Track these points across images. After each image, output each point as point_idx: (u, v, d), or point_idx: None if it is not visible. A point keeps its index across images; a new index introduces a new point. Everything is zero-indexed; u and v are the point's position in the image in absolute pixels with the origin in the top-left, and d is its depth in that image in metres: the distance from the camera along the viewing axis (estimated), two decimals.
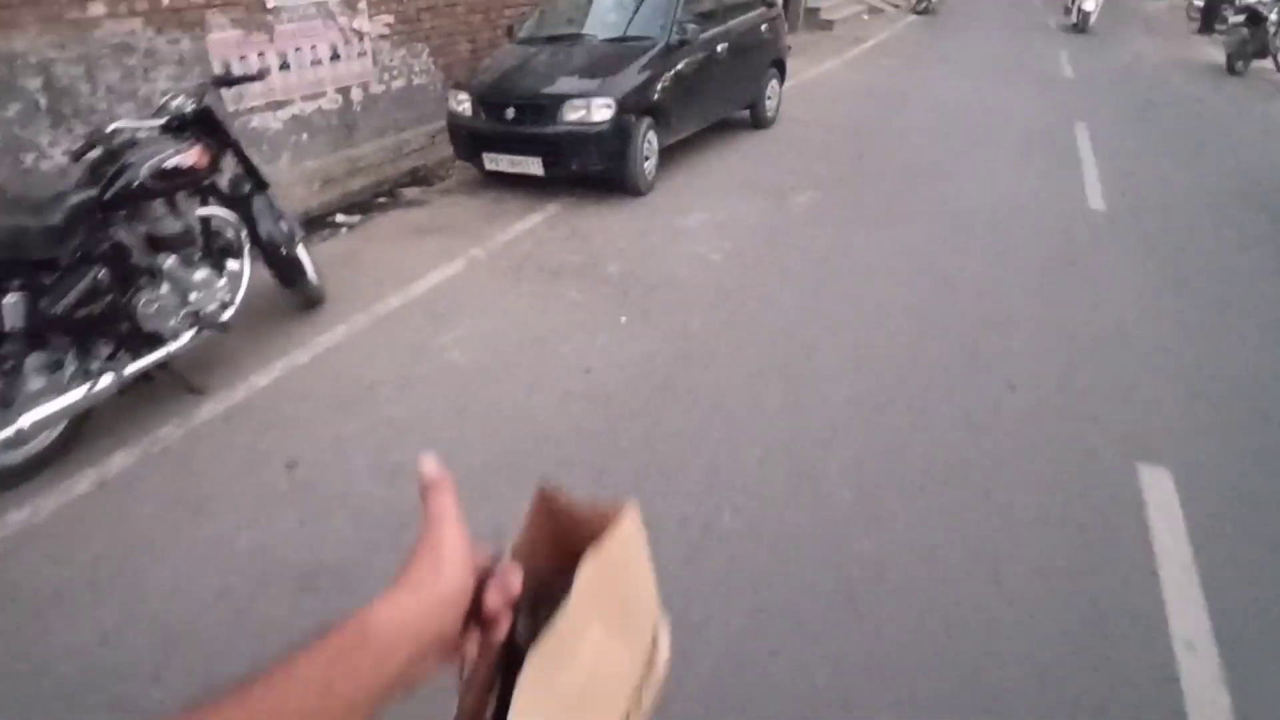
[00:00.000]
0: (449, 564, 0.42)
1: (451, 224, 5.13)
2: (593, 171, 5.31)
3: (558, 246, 4.72)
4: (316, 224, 5.11)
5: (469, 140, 5.57)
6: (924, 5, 17.01)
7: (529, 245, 4.74)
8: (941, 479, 2.65)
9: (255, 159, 3.73)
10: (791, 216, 5.20)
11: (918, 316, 3.78)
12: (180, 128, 3.09)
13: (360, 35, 6.01)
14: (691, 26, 5.59)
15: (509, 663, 0.46)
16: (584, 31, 5.82)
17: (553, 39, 5.82)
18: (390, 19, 6.25)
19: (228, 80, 3.44)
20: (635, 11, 5.82)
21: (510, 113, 5.26)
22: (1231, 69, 10.72)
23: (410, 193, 5.98)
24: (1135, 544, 2.39)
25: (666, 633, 0.58)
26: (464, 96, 5.50)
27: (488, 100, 5.39)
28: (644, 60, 5.39)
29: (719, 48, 6.17)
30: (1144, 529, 2.44)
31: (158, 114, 3.15)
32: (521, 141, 5.27)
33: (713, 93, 6.29)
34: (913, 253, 4.57)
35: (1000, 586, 2.21)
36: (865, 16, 15.61)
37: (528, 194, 5.55)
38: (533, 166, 5.27)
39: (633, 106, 5.24)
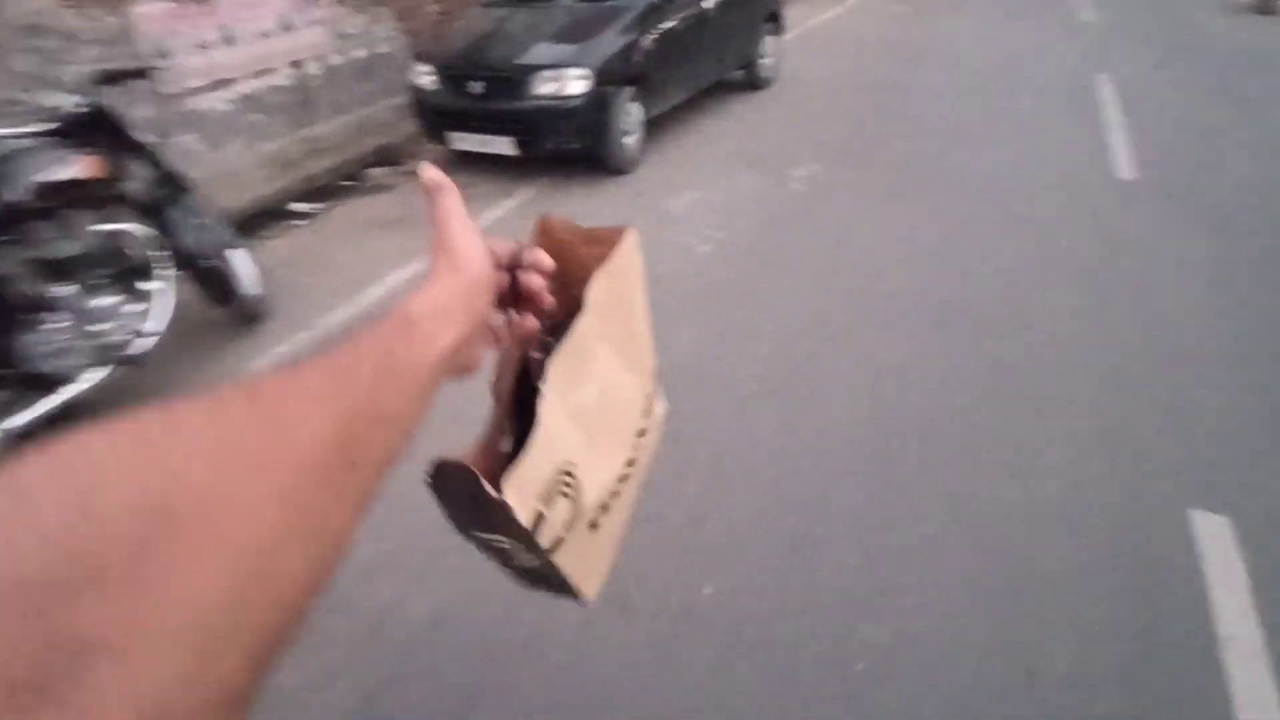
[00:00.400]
0: (464, 255, 0.45)
1: (416, 214, 4.66)
2: (569, 150, 4.83)
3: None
4: (272, 216, 4.67)
5: (434, 118, 5.08)
6: None
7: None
8: (962, 536, 2.27)
9: (175, 157, 3.29)
10: (791, 195, 4.72)
11: (932, 320, 3.35)
12: (68, 133, 2.65)
13: (313, 2, 5.46)
14: None
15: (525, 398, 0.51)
16: None
17: (525, 0, 5.26)
18: None
19: (114, 76, 2.97)
20: None
21: (477, 87, 4.76)
22: (1264, 8, 9.96)
23: (377, 174, 5.51)
24: (1191, 616, 2.01)
25: (660, 390, 0.63)
26: (427, 69, 4.99)
27: (452, 73, 4.88)
28: (624, 23, 4.85)
29: (707, 4, 5.59)
30: (1201, 597, 2.06)
31: (38, 117, 2.70)
32: (490, 119, 4.78)
33: (702, 54, 5.74)
34: (925, 239, 4.10)
35: (1034, 688, 1.84)
36: None
37: (501, 175, 5.08)
38: (503, 146, 4.79)
39: (612, 76, 4.73)
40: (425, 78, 4.99)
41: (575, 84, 4.55)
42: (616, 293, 0.55)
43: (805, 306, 3.48)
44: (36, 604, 0.20)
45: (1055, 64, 7.67)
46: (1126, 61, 7.71)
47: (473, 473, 0.44)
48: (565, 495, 0.49)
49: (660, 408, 0.62)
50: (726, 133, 5.85)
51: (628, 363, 0.58)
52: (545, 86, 4.57)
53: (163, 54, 4.28)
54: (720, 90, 6.61)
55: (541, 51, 4.69)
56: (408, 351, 0.38)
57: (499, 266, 0.48)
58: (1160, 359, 3.05)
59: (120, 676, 0.20)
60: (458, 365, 0.43)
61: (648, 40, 4.97)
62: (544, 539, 0.48)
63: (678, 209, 4.56)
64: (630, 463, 0.57)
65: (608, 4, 4.99)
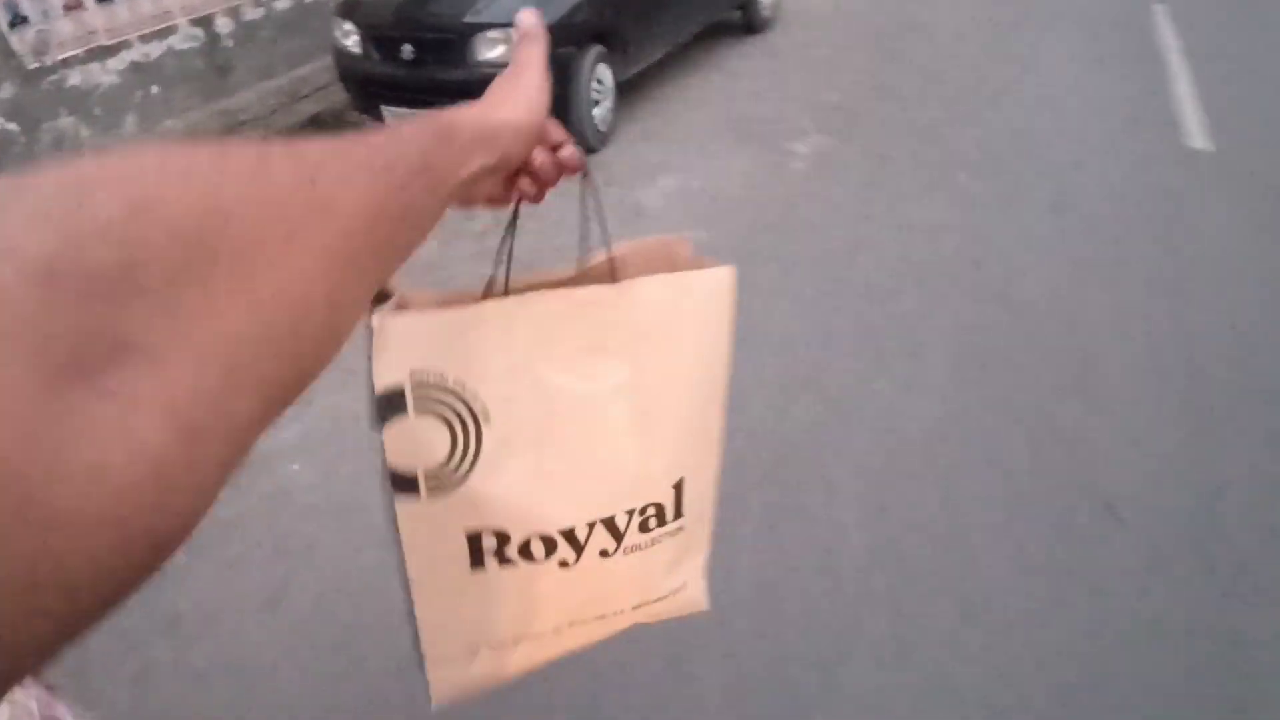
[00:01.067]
0: (524, 99, 0.45)
1: None
2: None
3: (470, 251, 3.52)
4: None
5: (362, 87, 4.24)
6: None
7: (433, 249, 3.54)
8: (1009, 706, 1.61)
9: (51, 147, 2.55)
10: (789, 180, 3.91)
11: (963, 360, 2.62)
12: None
13: None
14: None
15: None
16: None
17: None
18: None
19: None
20: None
21: (408, 50, 3.91)
22: None
23: None
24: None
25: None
26: (349, 28, 4.13)
27: (379, 34, 4.02)
28: None
29: None
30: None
31: None
32: (426, 90, 3.95)
33: (685, 1, 4.82)
34: (950, 240, 3.32)
35: None
36: None
37: None
38: None
39: (572, 34, 3.86)
40: (349, 38, 4.13)
41: None
42: (677, 325, 0.48)
43: (802, 346, 2.74)
44: (88, 293, 0.20)
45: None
46: None
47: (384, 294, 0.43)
48: (441, 418, 0.44)
49: (692, 582, 0.52)
50: (717, 93, 4.97)
51: (642, 428, 0.48)
52: (491, 50, 3.72)
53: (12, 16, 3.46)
54: (711, 35, 5.67)
55: (485, 6, 3.81)
56: (439, 159, 0.37)
57: (544, 138, 0.48)
58: (1253, 434, 2.32)
59: (154, 376, 0.21)
60: (472, 194, 0.46)
61: None
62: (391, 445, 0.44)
63: (652, 201, 3.77)
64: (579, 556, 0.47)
65: None
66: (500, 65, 3.66)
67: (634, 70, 4.54)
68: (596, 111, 4.14)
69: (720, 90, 5.01)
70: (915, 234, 3.38)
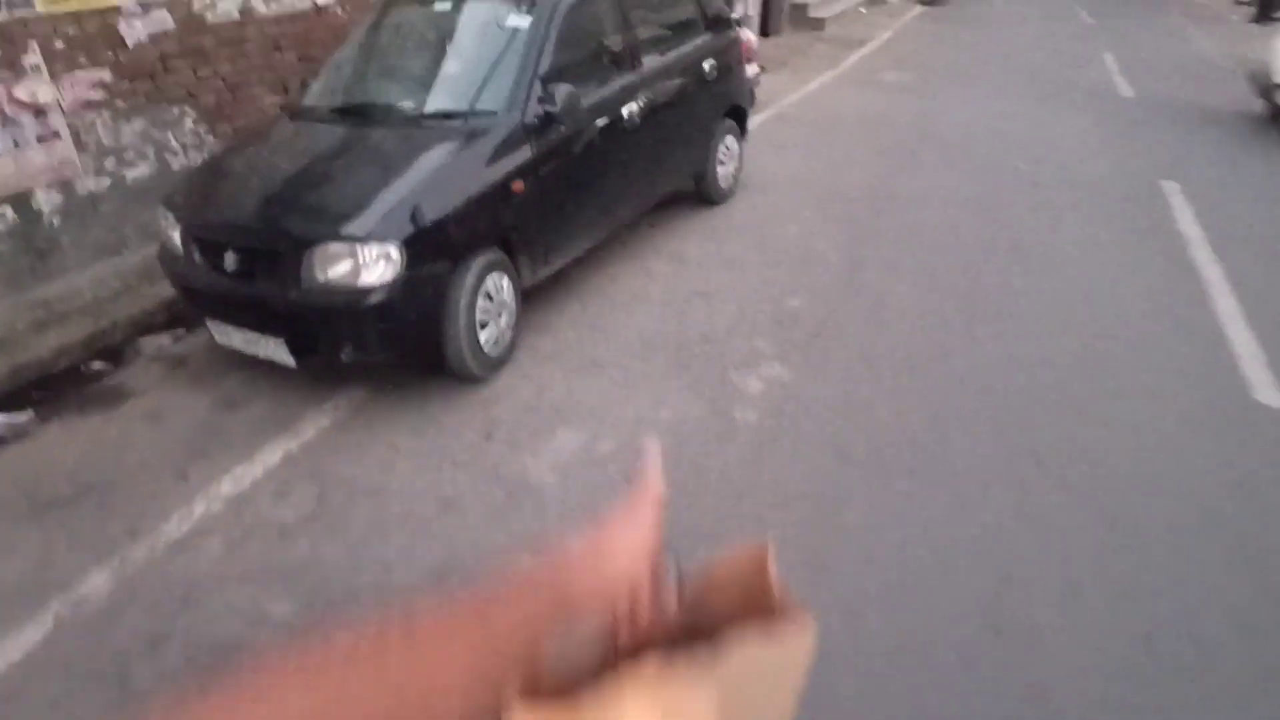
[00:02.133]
0: (608, 554, 0.44)
1: (122, 471, 2.85)
2: (379, 361, 3.05)
3: (272, 554, 2.45)
4: None
5: (185, 293, 3.30)
6: None
7: (216, 546, 2.47)
8: None
9: None
10: (735, 440, 2.91)
11: None
12: None
13: (39, 110, 3.70)
14: (567, 92, 3.25)
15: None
16: (389, 102, 3.49)
17: (344, 112, 3.49)
18: (103, 76, 3.93)
19: None
20: (468, 70, 3.49)
21: (231, 260, 2.97)
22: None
23: (157, 343, 3.76)
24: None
25: None
26: (172, 220, 3.22)
27: (199, 235, 3.10)
28: (473, 157, 3.08)
29: (628, 111, 3.84)
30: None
31: None
32: (253, 310, 2.99)
33: (623, 182, 3.98)
34: (955, 555, 2.29)
35: None
36: (863, 9, 13.19)
37: (296, 384, 3.28)
38: (275, 350, 2.99)
39: (446, 245, 2.95)
40: (172, 232, 3.21)
41: (376, 266, 2.76)
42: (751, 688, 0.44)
43: None
44: None
45: (1101, 164, 5.94)
46: (1196, 161, 5.99)
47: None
48: None
49: None
50: (655, 290, 4.06)
51: None
52: (330, 268, 2.78)
53: None
54: (661, 204, 4.86)
55: (326, 212, 2.90)
56: (537, 621, 0.40)
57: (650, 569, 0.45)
58: None
59: None
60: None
61: (522, 181, 3.20)
62: None
63: (542, 473, 2.75)
64: None
65: (453, 126, 3.21)
66: (346, 288, 2.72)
67: (548, 270, 3.64)
68: (486, 333, 3.18)
69: (660, 285, 4.11)
70: (899, 536, 2.35)
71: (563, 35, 3.48)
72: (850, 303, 3.89)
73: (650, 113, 4.02)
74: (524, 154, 3.22)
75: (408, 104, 3.40)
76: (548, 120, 3.27)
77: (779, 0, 10.93)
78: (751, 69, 6.96)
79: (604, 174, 3.77)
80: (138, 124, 4.14)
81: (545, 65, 3.34)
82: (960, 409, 3.04)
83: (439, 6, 3.67)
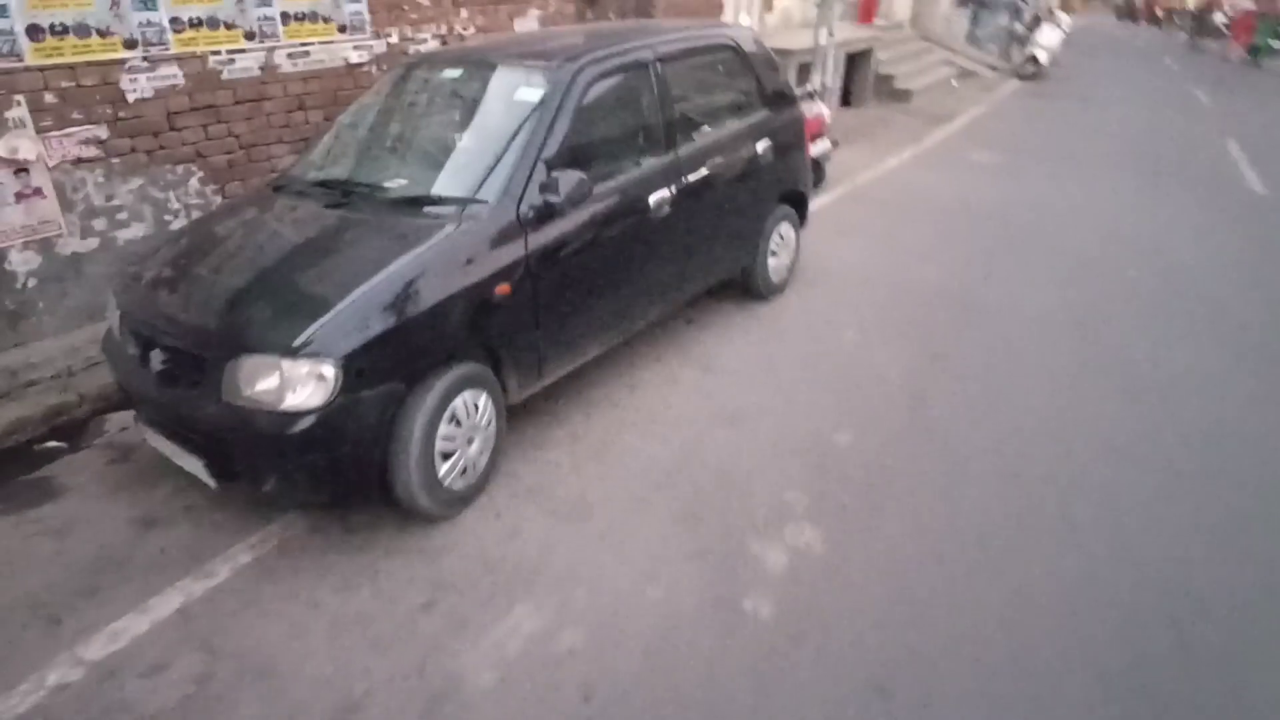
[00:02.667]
0: None
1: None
2: (309, 501, 2.53)
3: None
4: None
5: (121, 388, 2.87)
6: (1031, 67, 13.75)
7: None
8: None
9: None
10: (745, 633, 2.22)
11: None
12: None
13: (20, 166, 3.41)
14: (576, 181, 2.71)
15: None
16: (371, 180, 3.02)
17: (326, 186, 3.04)
18: (98, 132, 3.65)
19: None
20: (465, 149, 3.00)
21: (156, 359, 2.52)
22: None
23: (122, 421, 3.40)
24: None
25: None
26: (114, 305, 2.81)
27: (131, 325, 2.67)
28: (449, 254, 2.54)
29: (657, 200, 3.28)
30: None
31: None
32: (174, 418, 2.51)
33: (646, 281, 3.40)
34: None
35: None
36: (954, 83, 12.50)
37: (227, 499, 2.78)
38: (196, 467, 2.49)
39: (401, 361, 2.41)
40: (115, 315, 2.80)
41: (304, 389, 2.24)
42: None
43: None
44: None
45: (1234, 277, 5.03)
46: None
47: None
48: None
49: None
50: (672, 410, 3.43)
51: None
52: (251, 385, 2.28)
53: None
54: (697, 300, 4.26)
55: (259, 313, 2.40)
56: None
57: None
58: None
59: None
60: None
61: (509, 283, 2.65)
62: None
63: (481, 671, 2.11)
64: None
65: (432, 217, 2.69)
66: (267, 411, 2.13)
67: (545, 384, 3.07)
68: (452, 463, 2.61)
69: (684, 400, 3.48)
70: None
71: (580, 113, 2.96)
72: (911, 447, 3.16)
73: (687, 201, 3.45)
74: (515, 251, 2.68)
75: (390, 185, 2.93)
76: (548, 212, 2.73)
77: (865, 70, 10.39)
78: (823, 144, 6.40)
79: (622, 272, 3.20)
80: (134, 183, 3.84)
81: (553, 147, 2.82)
82: (1054, 635, 2.26)
83: (449, 73, 3.23)
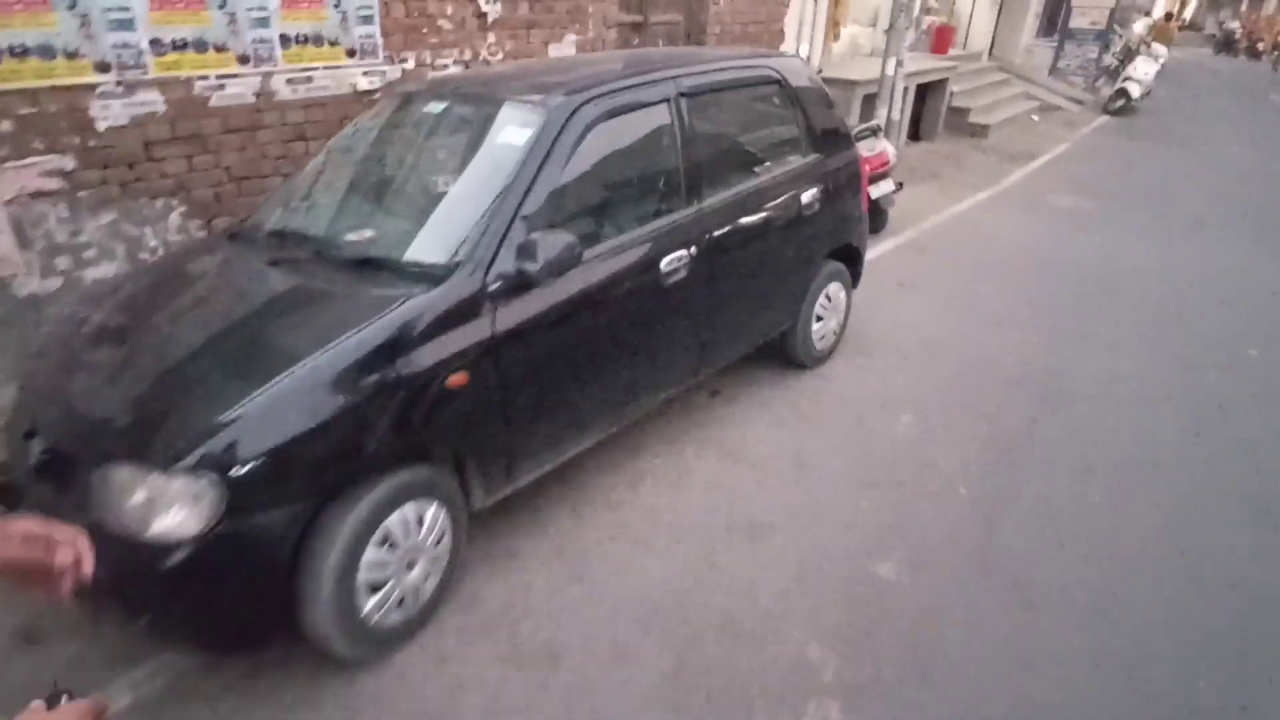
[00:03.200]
0: None
1: None
2: (190, 646, 2.03)
3: None
4: None
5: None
6: (1120, 102, 12.73)
7: None
8: None
9: None
10: None
11: None
12: None
13: None
14: (563, 245, 2.17)
15: None
16: (326, 234, 2.53)
17: (280, 237, 2.58)
18: (64, 163, 3.31)
19: None
20: (435, 201, 2.50)
21: (35, 449, 2.07)
22: None
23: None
24: None
25: None
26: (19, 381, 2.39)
27: (24, 399, 2.24)
28: (390, 334, 2.01)
29: (671, 262, 2.71)
30: None
31: None
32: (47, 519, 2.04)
33: (654, 358, 2.83)
34: None
35: None
36: (1035, 118, 11.63)
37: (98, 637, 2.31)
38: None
39: (314, 473, 1.90)
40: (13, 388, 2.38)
41: (175, 513, 1.75)
42: None
43: None
44: None
45: None
46: None
47: None
48: None
49: None
50: (679, 514, 2.83)
51: None
52: (118, 501, 1.79)
53: None
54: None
55: (140, 409, 1.93)
56: None
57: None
58: None
59: None
60: None
61: (467, 371, 2.13)
62: None
63: None
64: None
65: (387, 280, 2.18)
66: (132, 537, 1.66)
67: (518, 486, 2.52)
68: (383, 596, 2.08)
69: (695, 502, 2.88)
70: None
71: (577, 158, 2.44)
72: (976, 590, 2.49)
73: (712, 261, 2.88)
74: (477, 331, 2.15)
75: (343, 241, 2.44)
76: (522, 282, 2.20)
77: (937, 103, 9.66)
78: (885, 186, 5.76)
79: (621, 351, 2.65)
80: (105, 218, 3.48)
81: (536, 202, 2.29)
82: None
83: (434, 107, 2.75)
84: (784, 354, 3.79)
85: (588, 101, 2.50)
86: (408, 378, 2.01)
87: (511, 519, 2.74)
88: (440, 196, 2.46)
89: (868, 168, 5.60)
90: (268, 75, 3.86)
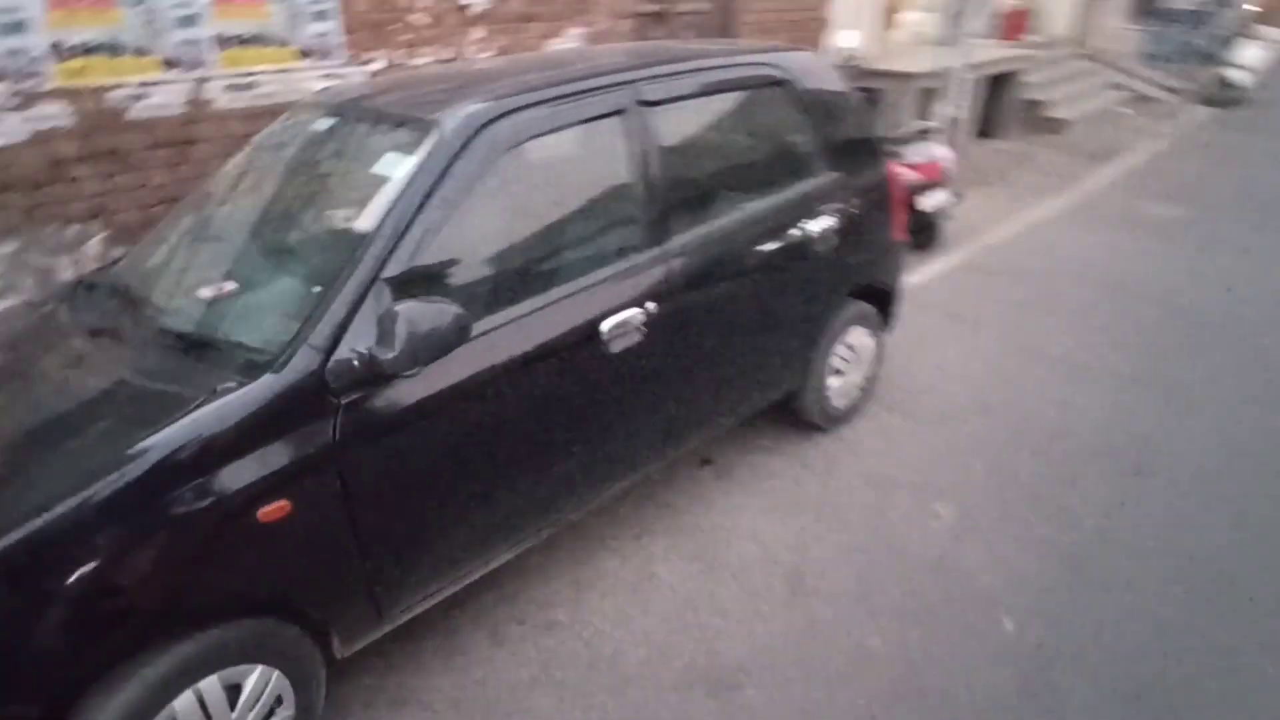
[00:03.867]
0: None
1: None
2: None
3: None
4: None
5: None
6: (1224, 92, 11.34)
7: None
8: None
9: None
10: None
11: None
12: None
13: None
14: (425, 320, 1.56)
15: None
16: (159, 296, 1.96)
17: (118, 295, 2.04)
18: None
19: None
20: (269, 260, 1.93)
21: None
22: None
23: None
24: None
25: None
26: None
27: None
28: (174, 449, 1.45)
29: (616, 325, 2.07)
30: None
31: None
32: None
33: (584, 451, 2.16)
34: None
35: None
36: (1123, 109, 10.41)
37: None
38: None
39: (46, 670, 1.35)
40: None
41: None
42: None
43: None
44: None
45: None
46: None
47: None
48: None
49: None
50: (626, 655, 2.19)
51: None
52: None
53: None
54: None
55: None
56: None
57: None
58: None
59: None
60: None
61: (289, 499, 1.55)
62: None
63: None
64: None
65: (194, 365, 1.63)
66: None
67: (395, 624, 1.93)
68: None
69: (648, 629, 2.23)
70: None
71: (478, 195, 1.82)
72: None
73: (680, 316, 2.23)
74: (310, 439, 1.57)
75: (173, 306, 1.89)
76: (373, 373, 1.60)
77: (1008, 96, 8.66)
78: (939, 196, 4.98)
79: (542, 441, 2.03)
80: (7, 247, 3.06)
81: (409, 256, 1.69)
82: None
83: (319, 125, 2.17)
84: (793, 412, 3.10)
85: (499, 117, 1.88)
86: (192, 516, 1.44)
87: (416, 644, 2.16)
88: (287, 250, 1.89)
89: (917, 176, 4.83)
90: (200, 81, 3.37)
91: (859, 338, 3.11)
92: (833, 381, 3.06)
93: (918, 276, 4.74)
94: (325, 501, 1.60)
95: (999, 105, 8.69)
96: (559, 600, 2.34)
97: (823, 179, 2.75)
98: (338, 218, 1.85)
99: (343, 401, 1.60)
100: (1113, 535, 2.60)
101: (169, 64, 3.26)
